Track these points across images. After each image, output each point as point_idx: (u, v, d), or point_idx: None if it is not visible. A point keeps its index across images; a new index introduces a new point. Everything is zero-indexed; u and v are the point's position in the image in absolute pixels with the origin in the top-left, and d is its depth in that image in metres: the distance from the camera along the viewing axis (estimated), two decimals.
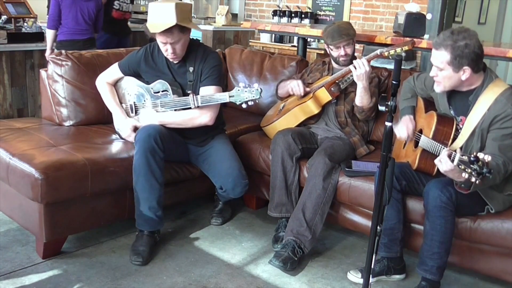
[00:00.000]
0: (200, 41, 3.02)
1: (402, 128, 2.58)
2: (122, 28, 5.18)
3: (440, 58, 2.28)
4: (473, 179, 1.93)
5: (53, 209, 2.52)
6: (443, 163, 2.10)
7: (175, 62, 2.83)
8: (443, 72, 2.30)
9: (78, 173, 2.53)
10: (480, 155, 1.91)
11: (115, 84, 2.98)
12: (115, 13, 4.97)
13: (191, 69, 2.83)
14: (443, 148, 2.26)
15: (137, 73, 2.93)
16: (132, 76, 2.95)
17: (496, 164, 2.18)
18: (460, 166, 1.97)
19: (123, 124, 2.90)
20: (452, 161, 2.03)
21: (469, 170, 1.92)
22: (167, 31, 2.63)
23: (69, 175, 2.50)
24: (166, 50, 2.74)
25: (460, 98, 2.43)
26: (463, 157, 1.96)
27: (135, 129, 2.85)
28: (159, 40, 2.72)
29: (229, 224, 3.17)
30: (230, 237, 3.00)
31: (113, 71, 2.97)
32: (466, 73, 2.28)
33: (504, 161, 2.22)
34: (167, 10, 2.61)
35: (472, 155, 1.91)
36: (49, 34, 4.38)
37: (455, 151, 2.09)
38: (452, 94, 2.47)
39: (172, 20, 2.61)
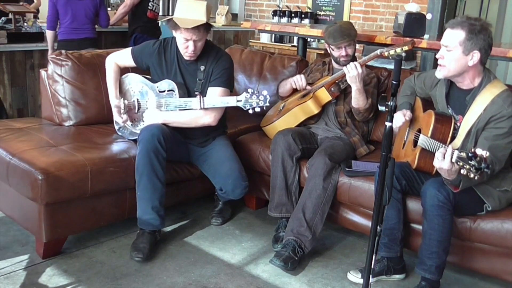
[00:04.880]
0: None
1: (399, 116, 2.55)
2: (157, 28, 5.19)
3: (453, 36, 2.27)
4: (471, 175, 1.93)
5: (53, 209, 2.52)
6: (440, 160, 2.10)
7: (191, 60, 2.82)
8: (451, 53, 2.29)
9: (78, 173, 2.53)
10: (478, 151, 1.92)
11: (121, 78, 2.98)
12: (150, 14, 4.99)
13: (202, 68, 2.83)
14: (442, 146, 2.26)
15: (146, 65, 2.93)
16: (140, 66, 2.95)
17: (491, 160, 2.19)
18: (458, 163, 1.97)
19: (112, 104, 2.91)
20: (450, 158, 2.03)
21: (467, 166, 1.93)
22: (195, 28, 2.64)
23: (69, 175, 2.50)
24: (187, 47, 2.73)
25: (458, 97, 2.43)
26: (461, 153, 1.97)
27: (124, 110, 2.87)
28: (183, 36, 2.71)
29: (229, 224, 3.17)
30: (230, 237, 3.00)
31: (125, 54, 2.97)
32: (474, 58, 2.27)
33: (492, 160, 2.22)
34: (199, 7, 2.65)
35: (470, 151, 1.92)
36: (49, 35, 4.41)
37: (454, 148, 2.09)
38: (450, 93, 2.47)
39: (202, 18, 2.64)
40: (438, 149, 2.22)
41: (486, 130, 2.30)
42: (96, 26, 4.74)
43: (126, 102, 2.89)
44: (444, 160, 2.09)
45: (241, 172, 2.88)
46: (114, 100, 2.91)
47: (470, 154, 1.92)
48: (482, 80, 2.35)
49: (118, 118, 2.89)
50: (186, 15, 2.66)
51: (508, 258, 2.43)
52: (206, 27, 2.71)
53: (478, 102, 2.32)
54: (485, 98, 2.31)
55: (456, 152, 2.01)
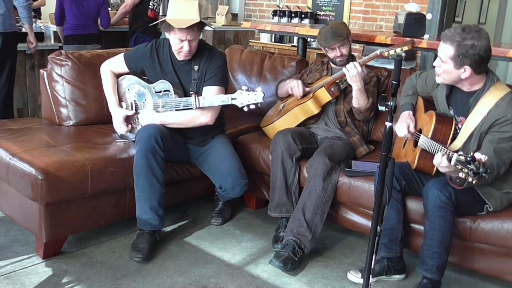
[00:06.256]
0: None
1: (402, 126, 2.58)
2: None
3: (444, 51, 2.28)
4: (470, 179, 1.93)
5: (53, 209, 2.52)
6: (439, 163, 2.11)
7: (185, 59, 2.81)
8: (444, 65, 2.30)
9: (78, 173, 2.53)
10: (477, 155, 1.92)
11: (117, 81, 2.97)
12: (150, 13, 5.01)
13: (196, 67, 2.83)
14: (442, 148, 2.26)
15: (140, 68, 2.92)
16: (134, 71, 2.94)
17: (491, 165, 2.19)
18: (457, 166, 1.97)
19: (114, 114, 2.90)
20: (450, 160, 2.03)
21: (466, 170, 1.93)
22: (189, 28, 2.64)
23: (69, 175, 2.50)
24: (182, 47, 2.72)
25: (461, 99, 2.43)
26: (460, 157, 1.97)
27: (127, 120, 2.86)
28: (177, 37, 2.70)
29: (229, 224, 3.17)
30: (230, 237, 3.00)
31: (117, 61, 2.96)
32: (466, 72, 2.27)
33: (498, 163, 2.24)
34: (191, 7, 2.64)
35: (469, 155, 1.92)
36: (58, 30, 4.77)
37: (452, 151, 2.09)
38: (452, 94, 2.47)
39: (196, 17, 2.63)
40: (438, 151, 2.22)
41: (490, 134, 2.29)
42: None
43: (124, 105, 2.89)
44: (442, 163, 2.09)
45: (241, 170, 2.88)
46: (116, 109, 2.89)
47: (469, 158, 1.92)
48: (485, 83, 2.34)
49: (123, 127, 2.87)
50: (179, 16, 2.66)
51: (508, 258, 2.44)
52: (199, 26, 2.69)
53: (481, 105, 2.32)
54: (489, 101, 2.30)
55: (455, 155, 2.00)
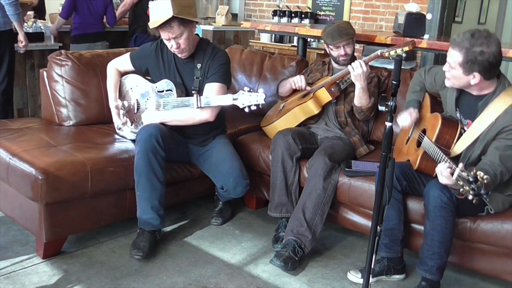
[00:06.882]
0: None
1: (406, 117, 2.56)
2: None
3: (453, 57, 2.25)
4: (470, 197, 1.88)
5: (53, 209, 2.52)
6: (442, 176, 2.08)
7: (183, 57, 2.82)
8: (453, 71, 2.28)
9: (78, 173, 2.53)
10: (480, 174, 1.84)
11: (121, 80, 2.99)
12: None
13: (198, 65, 2.84)
14: (445, 159, 2.20)
15: (144, 67, 2.94)
16: (139, 70, 2.96)
17: (494, 174, 2.18)
18: (458, 182, 1.94)
19: (112, 106, 2.91)
20: (452, 174, 2.01)
21: (467, 188, 1.88)
22: (167, 25, 2.64)
23: (69, 175, 2.50)
24: (171, 46, 2.74)
25: (469, 102, 2.41)
26: (463, 173, 1.91)
27: (125, 110, 2.87)
28: (163, 37, 2.73)
29: (229, 224, 3.17)
30: (230, 237, 3.00)
31: (123, 60, 3.00)
32: (475, 78, 2.25)
33: (501, 171, 2.22)
34: (164, 5, 2.64)
35: (472, 174, 1.85)
36: (61, 21, 4.81)
37: (455, 157, 2.05)
38: (461, 96, 2.45)
39: (168, 13, 2.62)
40: (440, 159, 2.20)
41: (497, 140, 2.27)
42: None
43: (126, 103, 2.89)
44: (442, 176, 2.07)
45: (242, 170, 2.88)
46: (113, 102, 2.91)
47: (471, 179, 1.85)
48: (496, 88, 2.32)
49: (117, 120, 2.89)
50: (156, 17, 2.67)
51: (508, 258, 2.44)
52: (180, 21, 2.66)
53: (490, 110, 2.29)
54: (498, 107, 2.27)
55: (457, 170, 1.95)
